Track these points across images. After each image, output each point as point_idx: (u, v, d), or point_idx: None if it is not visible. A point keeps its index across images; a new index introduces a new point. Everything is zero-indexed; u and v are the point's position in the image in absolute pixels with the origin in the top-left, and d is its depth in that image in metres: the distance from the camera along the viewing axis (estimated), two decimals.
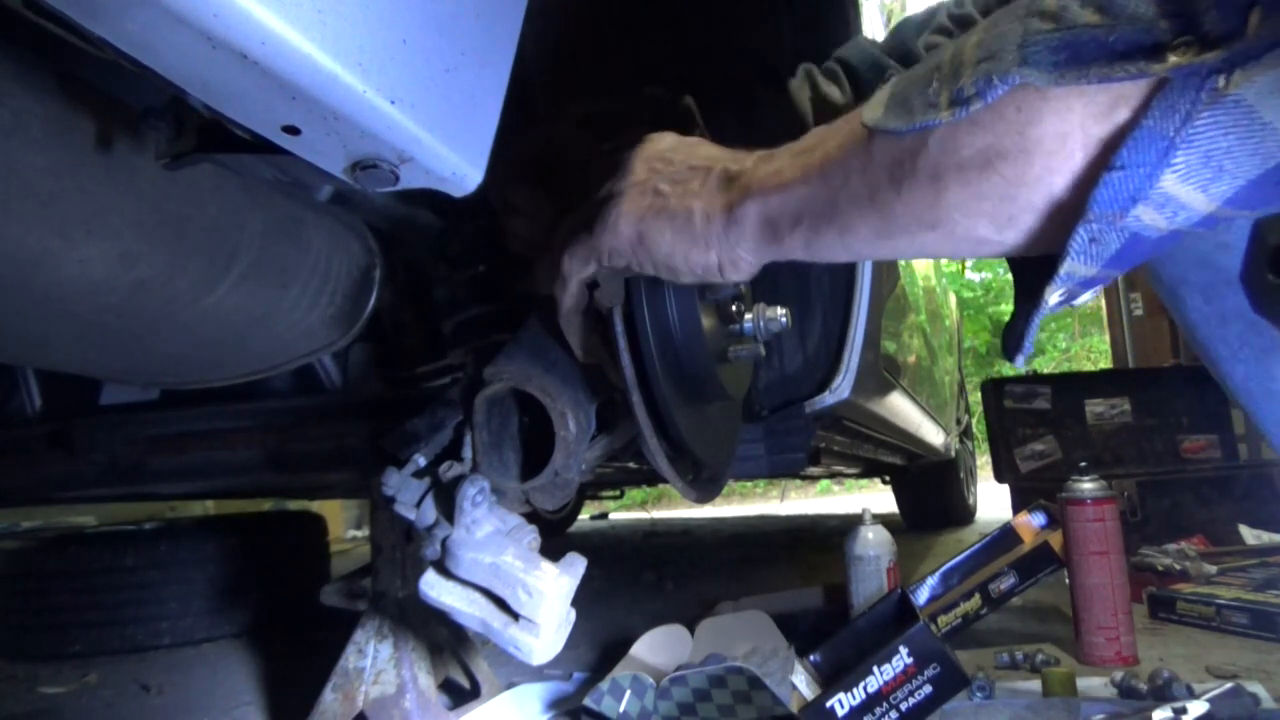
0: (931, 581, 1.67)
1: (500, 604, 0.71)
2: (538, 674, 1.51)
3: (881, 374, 1.63)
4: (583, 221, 0.68)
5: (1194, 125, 0.42)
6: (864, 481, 5.94)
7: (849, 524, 1.72)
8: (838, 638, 1.39)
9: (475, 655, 1.36)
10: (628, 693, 1.15)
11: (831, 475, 5.92)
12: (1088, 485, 1.51)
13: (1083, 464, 1.71)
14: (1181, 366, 3.63)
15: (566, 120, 0.84)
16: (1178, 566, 1.93)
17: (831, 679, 1.27)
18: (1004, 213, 0.49)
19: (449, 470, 0.77)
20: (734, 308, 0.84)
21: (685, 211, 0.64)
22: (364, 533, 4.60)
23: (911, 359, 2.29)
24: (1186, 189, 0.43)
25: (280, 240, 0.87)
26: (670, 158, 0.68)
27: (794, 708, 1.13)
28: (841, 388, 1.30)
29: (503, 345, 0.81)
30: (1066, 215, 0.47)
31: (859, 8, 1.33)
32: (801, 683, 1.25)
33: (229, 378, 1.06)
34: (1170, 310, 0.89)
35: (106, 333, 0.82)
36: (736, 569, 3.05)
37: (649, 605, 2.27)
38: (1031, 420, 3.08)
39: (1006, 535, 1.69)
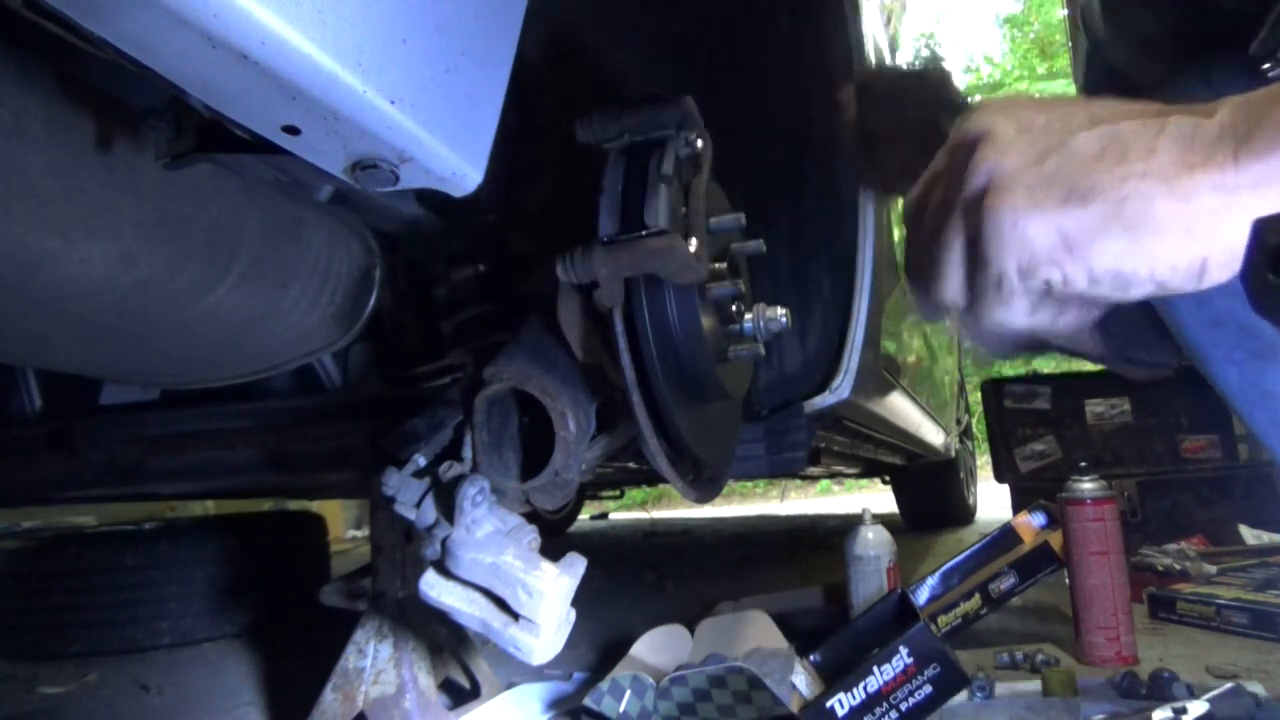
0: (931, 581, 1.67)
1: (500, 604, 0.71)
2: (538, 674, 1.51)
3: (881, 374, 1.63)
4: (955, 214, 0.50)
5: None
6: (864, 481, 5.94)
7: (849, 524, 1.71)
8: (838, 638, 1.38)
9: (475, 655, 1.36)
10: (628, 693, 1.15)
11: (831, 475, 5.91)
12: (1088, 485, 1.51)
13: (1083, 464, 1.71)
14: (1181, 366, 3.62)
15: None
16: (1178, 566, 1.93)
17: (831, 679, 1.27)
18: None
19: (449, 470, 0.77)
20: (734, 308, 0.83)
21: (1136, 186, 0.44)
22: (364, 533, 4.60)
23: (911, 359, 2.29)
24: None
25: (280, 240, 0.87)
26: (1067, 121, 0.48)
27: (794, 708, 1.13)
28: (841, 388, 1.30)
29: (503, 345, 0.81)
30: None
31: (858, 7, 1.33)
32: (801, 683, 1.25)
33: (229, 378, 1.06)
34: (1162, 313, 0.87)
35: (106, 333, 0.82)
36: (736, 569, 3.05)
37: (649, 605, 2.27)
38: (1031, 420, 3.08)
39: (1006, 535, 1.69)
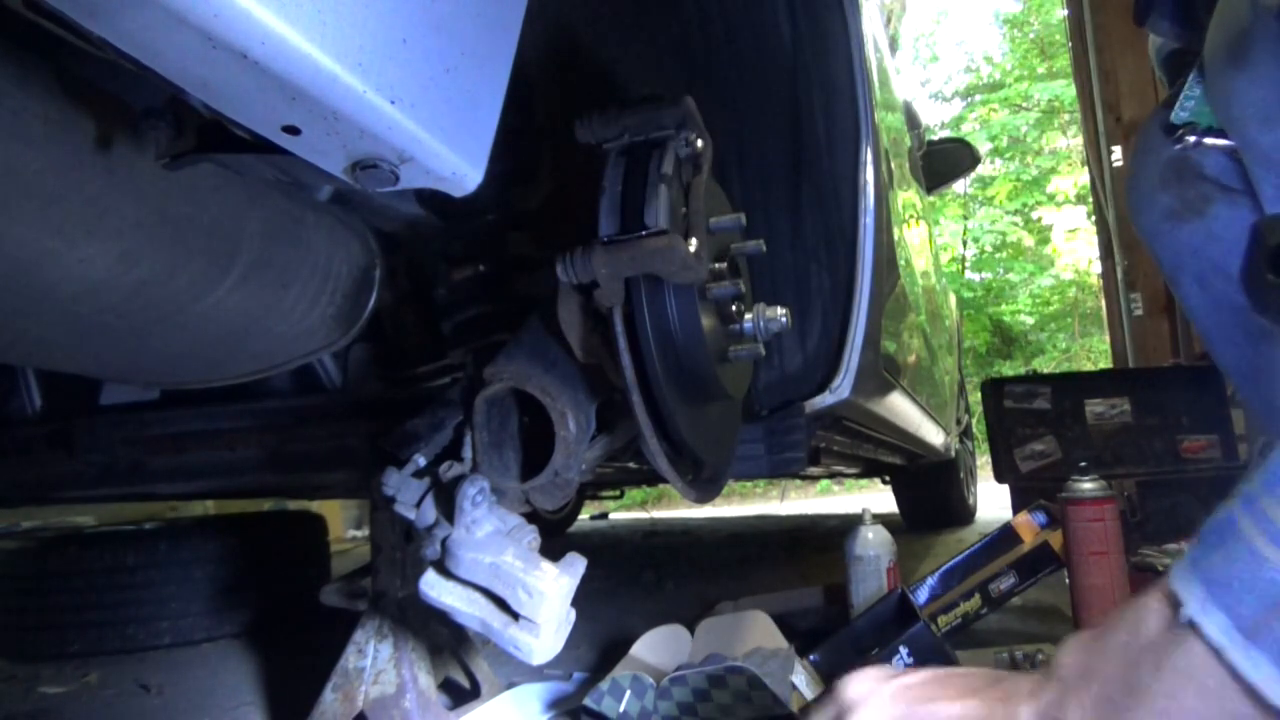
0: (931, 581, 1.67)
1: (500, 604, 0.71)
2: (538, 674, 1.51)
3: (881, 374, 1.63)
4: None
5: None
6: (864, 481, 5.93)
7: (849, 524, 1.71)
8: (838, 638, 1.38)
9: (475, 655, 1.36)
10: (628, 693, 1.15)
11: (831, 475, 5.91)
12: (1088, 485, 1.51)
13: (1083, 464, 1.71)
14: (1181, 366, 3.63)
15: None
16: None
17: (831, 679, 1.27)
18: None
19: (449, 470, 0.77)
20: (734, 308, 0.83)
21: None
22: (364, 533, 4.60)
23: (911, 359, 2.29)
24: None
25: (280, 240, 0.87)
26: None
27: (794, 708, 1.13)
28: (841, 388, 1.30)
29: (503, 345, 0.81)
30: None
31: (859, 7, 1.33)
32: (801, 683, 1.25)
33: (229, 378, 1.06)
34: (1173, 293, 0.92)
35: (107, 333, 0.82)
36: (736, 569, 3.05)
37: (649, 605, 2.27)
38: (1031, 420, 3.08)
39: (1006, 535, 1.69)
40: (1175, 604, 0.50)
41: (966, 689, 0.60)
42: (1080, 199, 11.26)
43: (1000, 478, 3.14)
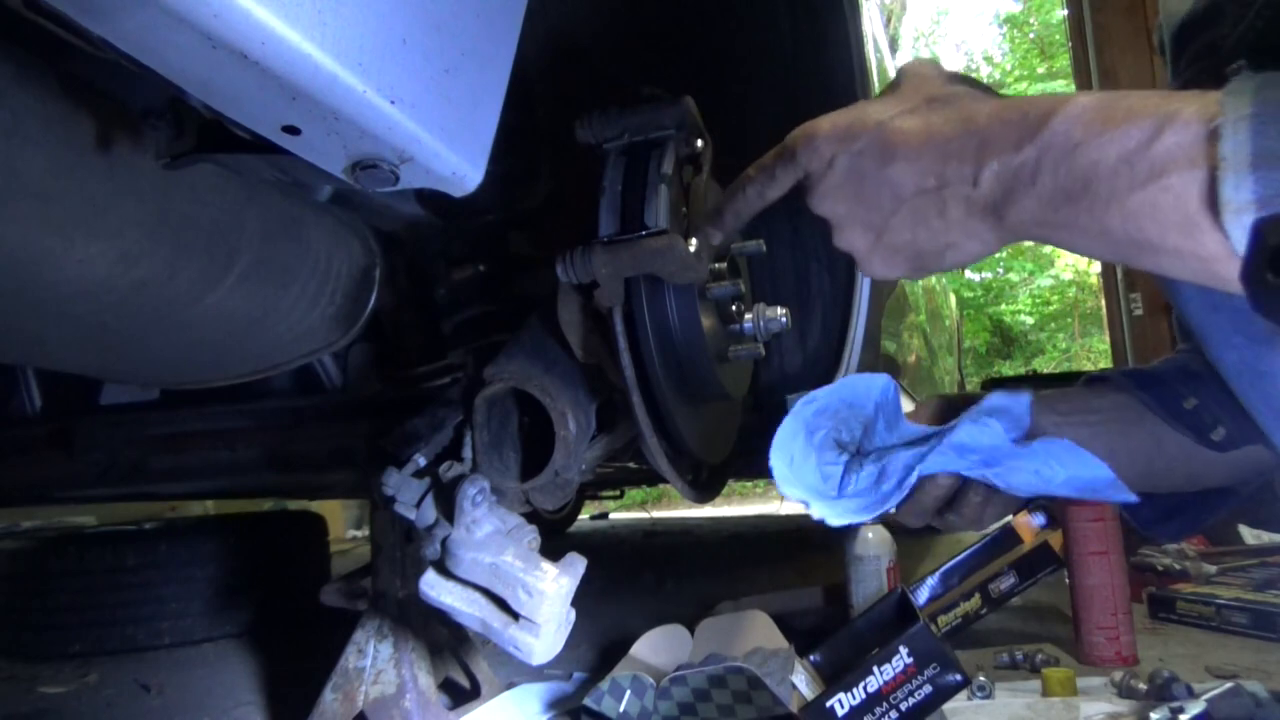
0: (931, 581, 1.67)
1: (500, 604, 0.71)
2: (538, 674, 1.51)
3: None
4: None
5: None
6: None
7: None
8: (838, 638, 1.38)
9: (475, 655, 1.36)
10: (628, 693, 1.15)
11: None
12: None
13: None
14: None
15: None
16: (1178, 566, 1.93)
17: (831, 679, 1.27)
18: None
19: (449, 470, 0.77)
20: (734, 308, 0.83)
21: (944, 244, 0.59)
22: (364, 533, 4.60)
23: (911, 359, 2.29)
24: None
25: (280, 240, 0.87)
26: (888, 188, 0.60)
27: (794, 708, 1.13)
28: None
29: (503, 345, 0.81)
30: None
31: (859, 7, 1.33)
32: (801, 683, 1.25)
33: (229, 378, 1.06)
34: (1167, 297, 0.90)
35: (106, 333, 0.82)
36: (736, 569, 3.05)
37: (649, 605, 2.27)
38: None
39: (1006, 535, 1.69)
40: (1211, 115, 0.44)
41: (934, 132, 0.57)
42: None
43: None
